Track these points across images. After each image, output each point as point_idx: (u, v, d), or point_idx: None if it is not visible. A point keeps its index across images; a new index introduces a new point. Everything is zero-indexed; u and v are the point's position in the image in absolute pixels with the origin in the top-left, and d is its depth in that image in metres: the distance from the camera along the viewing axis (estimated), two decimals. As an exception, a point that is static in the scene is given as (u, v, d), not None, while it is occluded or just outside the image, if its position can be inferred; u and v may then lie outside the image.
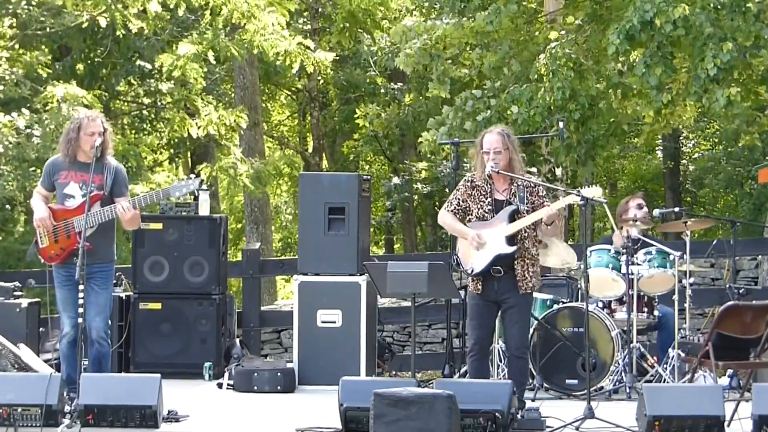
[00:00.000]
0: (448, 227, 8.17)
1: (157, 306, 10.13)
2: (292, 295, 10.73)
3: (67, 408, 7.39)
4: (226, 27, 15.43)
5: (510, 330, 7.96)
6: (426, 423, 6.85)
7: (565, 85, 11.77)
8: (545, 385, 9.12)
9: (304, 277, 9.65)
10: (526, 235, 7.89)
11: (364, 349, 9.47)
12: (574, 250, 9.34)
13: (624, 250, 9.26)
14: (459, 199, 8.02)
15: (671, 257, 9.31)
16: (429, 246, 24.03)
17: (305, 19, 22.70)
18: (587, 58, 12.59)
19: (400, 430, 6.85)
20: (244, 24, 14.91)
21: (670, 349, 9.23)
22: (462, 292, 8.81)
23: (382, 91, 22.91)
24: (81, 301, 7.73)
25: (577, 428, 7.55)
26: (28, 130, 13.86)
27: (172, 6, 14.62)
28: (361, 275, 9.51)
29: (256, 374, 9.41)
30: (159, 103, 18.85)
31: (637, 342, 9.33)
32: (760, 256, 13.02)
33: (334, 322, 9.53)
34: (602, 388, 9.06)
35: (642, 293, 9.42)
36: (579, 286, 9.56)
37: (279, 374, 9.42)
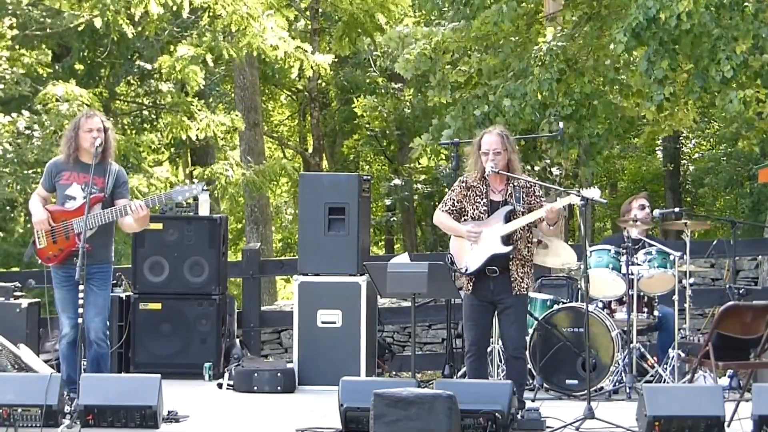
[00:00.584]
0: (443, 226, 8.16)
1: (157, 306, 10.13)
2: (292, 296, 10.73)
3: (67, 408, 7.37)
4: (224, 31, 15.40)
5: (507, 331, 7.94)
6: (426, 423, 6.84)
7: (552, 77, 11.72)
8: (545, 385, 9.10)
9: (304, 277, 9.64)
10: (519, 236, 7.89)
11: (364, 349, 9.47)
12: (574, 250, 9.34)
13: (624, 250, 9.26)
14: (454, 200, 8.02)
15: (671, 257, 9.30)
16: (429, 246, 24.01)
17: (306, 20, 22.68)
18: (583, 55, 12.56)
19: (400, 430, 6.85)
20: (245, 27, 14.88)
21: (670, 350, 9.22)
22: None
23: (383, 91, 22.91)
24: (81, 302, 7.72)
25: (577, 428, 7.54)
26: (28, 132, 13.85)
27: (174, 8, 14.57)
28: (361, 275, 9.51)
29: (256, 374, 9.41)
30: (159, 103, 18.83)
31: (637, 342, 9.31)
32: (760, 257, 13.01)
33: (334, 323, 9.52)
34: (602, 388, 9.04)
35: (642, 293, 9.41)
36: (579, 286, 9.55)
37: (279, 374, 9.41)
